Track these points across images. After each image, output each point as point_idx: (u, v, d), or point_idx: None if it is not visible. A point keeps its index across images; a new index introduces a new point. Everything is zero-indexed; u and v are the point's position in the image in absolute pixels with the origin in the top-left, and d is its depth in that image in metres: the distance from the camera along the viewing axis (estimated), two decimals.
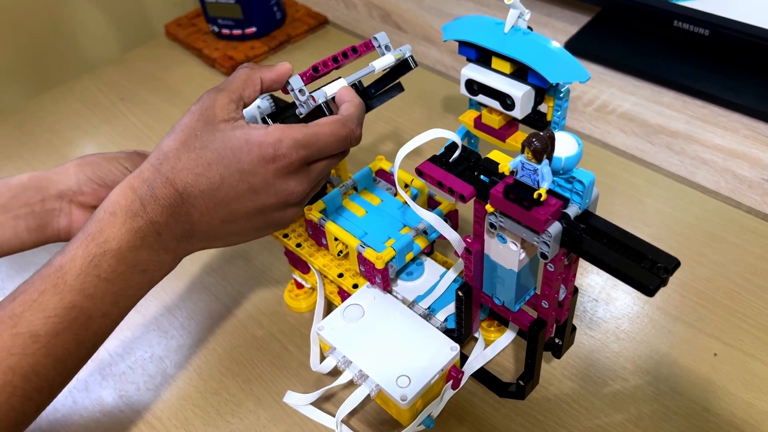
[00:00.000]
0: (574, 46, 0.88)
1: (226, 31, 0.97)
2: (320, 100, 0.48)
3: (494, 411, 0.54)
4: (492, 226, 0.42)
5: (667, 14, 0.82)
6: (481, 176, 0.43)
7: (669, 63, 0.84)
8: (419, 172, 0.44)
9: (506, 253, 0.43)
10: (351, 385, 0.50)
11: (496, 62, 0.56)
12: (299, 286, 0.63)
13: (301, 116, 0.49)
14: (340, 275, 0.56)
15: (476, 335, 0.56)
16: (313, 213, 0.55)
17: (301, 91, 0.49)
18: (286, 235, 0.59)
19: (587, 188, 0.39)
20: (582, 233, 0.38)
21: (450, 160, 0.44)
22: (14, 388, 0.40)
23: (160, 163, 0.44)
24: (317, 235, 0.57)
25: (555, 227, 0.38)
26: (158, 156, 0.44)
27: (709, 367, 0.56)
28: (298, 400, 0.53)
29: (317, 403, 0.54)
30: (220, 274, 0.68)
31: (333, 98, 0.50)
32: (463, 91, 0.60)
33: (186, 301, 0.66)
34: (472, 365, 0.53)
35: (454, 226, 0.56)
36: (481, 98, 0.59)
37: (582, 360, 0.57)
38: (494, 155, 0.44)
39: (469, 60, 0.59)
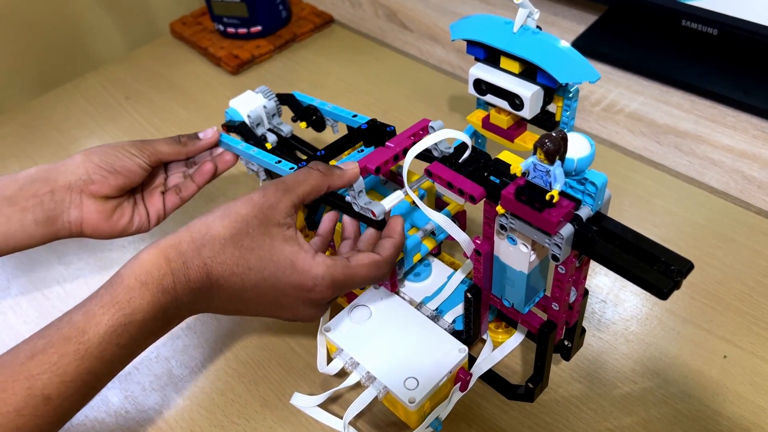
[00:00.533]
0: (581, 45, 0.88)
1: (231, 29, 0.97)
2: (379, 216, 0.47)
3: (502, 413, 0.54)
4: (502, 227, 0.41)
5: (675, 13, 0.81)
6: (491, 177, 0.43)
7: (677, 63, 0.84)
8: (428, 173, 0.44)
9: (516, 254, 0.43)
10: (358, 386, 0.50)
11: (504, 62, 0.56)
12: None
13: (347, 203, 0.49)
14: None
15: (484, 337, 0.55)
16: None
17: (360, 193, 0.48)
18: None
19: (600, 190, 0.38)
20: (594, 235, 0.38)
21: (460, 161, 0.44)
22: None
23: (202, 245, 0.43)
24: None
25: (567, 229, 0.37)
26: (203, 235, 0.43)
27: (720, 370, 0.55)
28: (305, 402, 0.53)
29: (324, 405, 0.54)
30: None
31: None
32: (471, 90, 0.59)
33: None
34: (481, 367, 0.52)
35: (462, 227, 0.56)
36: (490, 98, 0.58)
37: (590, 362, 0.57)
38: (505, 156, 0.43)
39: (477, 59, 0.59)
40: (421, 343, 0.50)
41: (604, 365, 0.57)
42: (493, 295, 0.48)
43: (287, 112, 0.64)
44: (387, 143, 0.50)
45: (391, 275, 0.52)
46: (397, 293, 0.54)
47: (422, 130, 0.50)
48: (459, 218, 0.55)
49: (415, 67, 0.92)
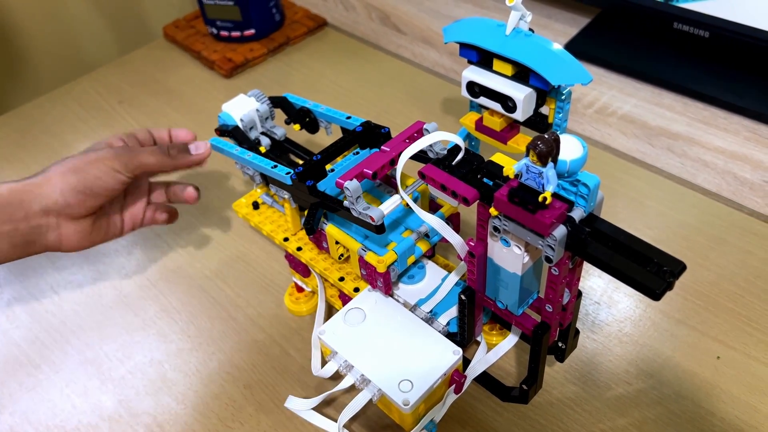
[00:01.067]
0: (574, 47, 0.88)
1: (224, 33, 0.97)
2: (378, 221, 0.47)
3: (497, 415, 0.54)
4: (496, 229, 0.41)
5: (667, 16, 0.82)
6: (485, 179, 0.43)
7: (669, 65, 0.84)
8: (422, 175, 0.44)
9: (510, 256, 0.43)
10: (353, 389, 0.50)
11: (497, 64, 0.56)
12: (299, 289, 0.63)
13: (346, 207, 0.49)
14: (341, 279, 0.56)
15: (478, 339, 0.56)
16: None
17: (358, 198, 0.47)
18: (286, 239, 0.59)
19: (592, 191, 0.38)
20: (587, 237, 0.38)
21: (453, 163, 0.44)
22: None
23: None
24: (318, 238, 0.56)
25: (560, 231, 0.38)
26: None
27: (713, 371, 0.56)
28: (300, 405, 0.53)
29: (318, 408, 0.54)
30: (219, 277, 0.68)
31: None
32: (465, 93, 0.60)
33: (185, 304, 0.65)
34: (475, 369, 0.53)
35: (456, 229, 0.56)
36: (483, 100, 0.59)
37: (585, 363, 0.57)
38: (498, 158, 0.43)
39: (470, 62, 0.59)
40: (415, 346, 0.50)
41: (598, 367, 0.57)
42: (486, 297, 0.48)
43: (280, 115, 0.64)
44: (382, 147, 0.50)
45: (385, 278, 0.52)
46: (391, 295, 0.54)
47: (417, 132, 0.50)
48: (452, 220, 0.55)
49: (408, 70, 0.92)
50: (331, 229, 0.54)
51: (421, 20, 1.00)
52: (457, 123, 0.80)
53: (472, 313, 0.49)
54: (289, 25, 1.01)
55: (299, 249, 0.58)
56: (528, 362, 0.48)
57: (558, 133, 0.58)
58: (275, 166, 0.54)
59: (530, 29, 0.55)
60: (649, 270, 0.37)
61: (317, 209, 0.53)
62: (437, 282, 0.55)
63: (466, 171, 0.43)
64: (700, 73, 0.82)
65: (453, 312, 0.53)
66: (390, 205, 0.48)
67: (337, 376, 0.52)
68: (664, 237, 0.67)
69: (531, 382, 0.48)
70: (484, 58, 0.58)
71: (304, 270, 0.61)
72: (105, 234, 0.58)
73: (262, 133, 0.62)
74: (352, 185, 0.47)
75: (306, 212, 0.54)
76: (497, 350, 0.54)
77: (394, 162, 0.49)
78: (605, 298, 0.62)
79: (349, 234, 0.53)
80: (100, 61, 1.09)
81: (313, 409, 0.54)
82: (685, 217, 0.68)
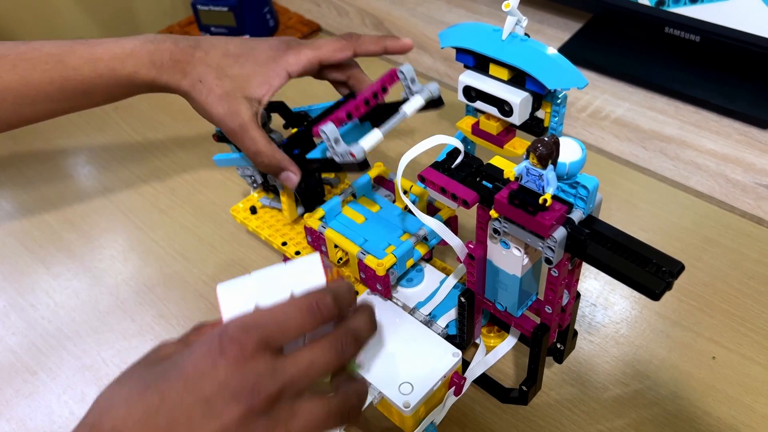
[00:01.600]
0: (567, 52, 0.88)
1: None
2: (359, 157, 0.47)
3: (496, 417, 0.54)
4: (495, 231, 0.42)
5: (659, 21, 0.83)
6: (483, 182, 0.43)
7: (661, 69, 0.85)
8: (422, 179, 0.44)
9: (509, 258, 0.43)
10: None
11: (493, 69, 0.57)
12: None
13: (328, 157, 0.49)
14: None
15: (477, 341, 0.56)
16: (313, 220, 0.55)
17: (337, 141, 0.47)
18: (284, 243, 0.59)
19: (591, 193, 0.39)
20: (587, 238, 0.38)
21: (452, 166, 0.44)
22: None
23: (89, 412, 0.35)
24: (317, 242, 0.56)
25: (560, 232, 0.38)
26: (92, 410, 0.35)
27: (709, 371, 0.56)
28: None
29: None
30: (217, 281, 0.67)
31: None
32: (461, 97, 0.60)
33: (182, 309, 0.65)
34: (474, 371, 0.53)
35: (453, 232, 0.56)
36: (479, 105, 0.59)
37: (582, 365, 0.57)
38: (496, 161, 0.44)
39: (466, 67, 0.59)
40: (415, 348, 0.50)
41: (596, 368, 0.57)
42: (486, 299, 0.48)
43: (276, 119, 0.64)
44: (359, 95, 0.52)
45: (384, 282, 0.52)
46: (390, 299, 0.54)
47: (390, 77, 0.53)
48: (451, 223, 0.56)
49: None
50: (330, 233, 0.54)
51: (415, 25, 1.01)
52: (453, 126, 0.81)
53: (472, 315, 0.49)
54: (283, 31, 1.01)
55: (297, 253, 0.58)
56: (527, 364, 0.48)
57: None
58: None
59: (526, 34, 0.56)
60: (648, 270, 0.37)
61: (313, 174, 0.53)
62: (436, 285, 0.56)
63: (465, 174, 0.44)
64: (692, 76, 0.83)
65: (452, 314, 0.53)
66: (371, 140, 0.49)
67: None
68: (658, 239, 0.67)
69: (530, 384, 0.49)
70: (480, 63, 0.58)
71: None
72: None
73: None
74: (328, 128, 0.47)
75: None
76: (496, 352, 0.55)
77: (368, 102, 0.51)
78: (602, 300, 0.62)
79: (348, 238, 0.54)
80: None
81: None
82: (678, 219, 0.69)
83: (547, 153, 0.36)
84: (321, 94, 0.91)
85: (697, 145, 0.76)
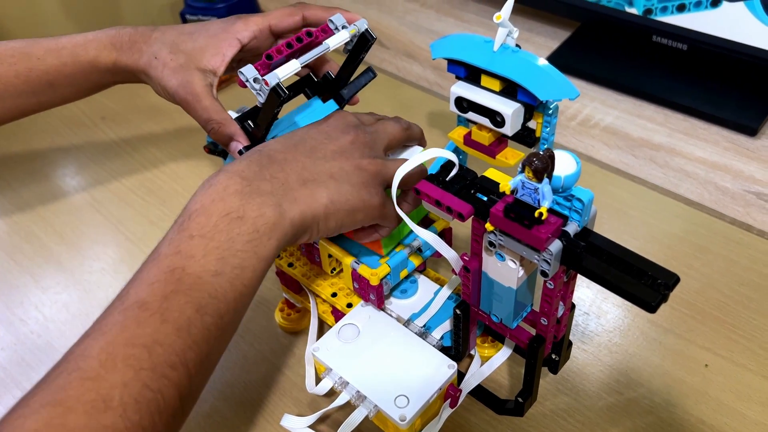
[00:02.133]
0: (555, 61, 0.89)
1: None
2: (273, 83, 0.48)
3: (491, 428, 0.54)
4: (491, 244, 0.42)
5: (646, 29, 0.84)
6: (478, 194, 0.43)
7: (649, 77, 0.86)
8: (417, 191, 0.44)
9: (505, 270, 0.43)
10: (348, 406, 0.50)
11: (485, 80, 0.57)
12: (290, 305, 0.63)
13: (260, 105, 0.50)
14: (334, 294, 0.56)
15: (471, 352, 0.56)
16: None
17: (255, 79, 0.48)
18: (278, 256, 0.59)
19: (586, 206, 0.39)
20: (582, 251, 0.38)
21: (447, 179, 0.44)
22: (138, 361, 0.35)
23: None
24: (310, 252, 0.56)
25: (556, 245, 0.38)
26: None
27: (702, 379, 0.57)
28: (296, 424, 0.53)
29: (314, 426, 0.54)
30: None
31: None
32: (453, 108, 0.60)
33: None
34: (470, 383, 0.53)
35: (448, 243, 0.56)
36: (471, 115, 0.59)
37: (576, 374, 0.58)
38: (491, 173, 0.44)
39: (458, 78, 0.60)
40: (410, 361, 0.50)
41: (590, 377, 0.57)
42: (481, 311, 0.48)
43: None
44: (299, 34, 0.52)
45: (378, 292, 0.52)
46: (384, 310, 0.54)
47: (322, 30, 0.52)
48: (445, 235, 0.56)
49: (392, 83, 0.93)
50: (324, 243, 0.54)
51: (404, 34, 1.01)
52: (444, 136, 0.81)
53: (467, 327, 0.49)
54: None
55: (290, 265, 0.58)
56: (523, 375, 0.48)
57: (546, 147, 0.59)
58: None
59: (517, 45, 0.56)
60: (644, 283, 0.37)
61: (270, 124, 0.54)
62: (430, 296, 0.56)
63: (459, 186, 0.44)
64: (680, 84, 0.84)
65: (447, 326, 0.53)
66: (287, 68, 0.49)
67: (331, 393, 0.52)
68: (649, 247, 0.68)
69: (526, 395, 0.49)
70: (471, 74, 0.58)
71: (295, 286, 0.60)
72: None
73: None
74: (246, 69, 0.48)
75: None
76: (491, 363, 0.55)
77: (290, 45, 0.50)
78: (594, 309, 0.63)
79: (342, 247, 0.53)
80: None
81: (309, 426, 0.53)
82: (668, 227, 0.69)
83: (542, 167, 0.36)
84: None
85: (686, 152, 0.77)
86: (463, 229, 0.66)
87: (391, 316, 0.54)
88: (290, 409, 0.56)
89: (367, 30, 0.55)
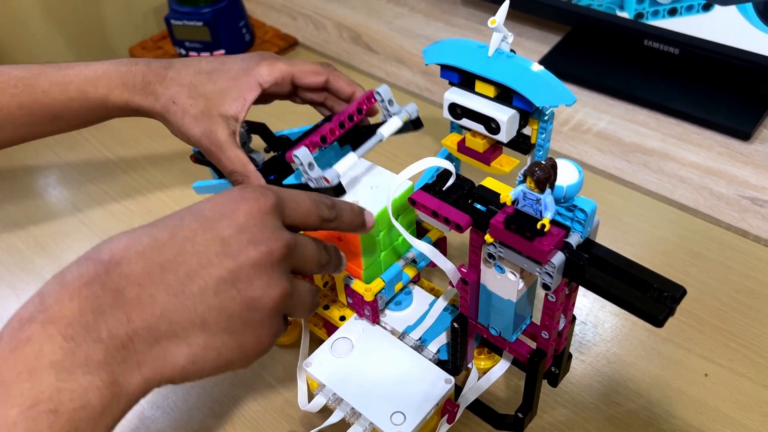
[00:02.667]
0: (546, 66, 0.87)
1: (193, 53, 0.95)
2: (333, 182, 0.46)
3: None
4: (490, 256, 0.41)
5: (637, 33, 0.83)
6: (476, 204, 0.42)
7: (641, 81, 0.85)
8: (412, 202, 0.43)
9: (504, 283, 0.42)
10: (343, 423, 0.48)
11: (479, 86, 0.56)
12: None
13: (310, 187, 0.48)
14: (326, 307, 0.54)
15: (468, 365, 0.54)
16: None
17: (311, 165, 0.46)
18: None
19: (589, 217, 0.38)
20: (585, 263, 0.37)
21: (443, 189, 0.43)
22: None
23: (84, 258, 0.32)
24: None
25: (558, 258, 0.37)
26: None
27: (701, 388, 0.56)
28: None
29: None
30: None
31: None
32: (446, 114, 0.59)
33: None
34: (467, 397, 0.51)
35: (443, 254, 0.55)
36: (465, 122, 0.58)
37: (574, 385, 0.56)
38: (489, 183, 0.42)
39: (451, 83, 0.58)
40: (406, 375, 0.49)
41: (588, 388, 0.56)
42: (479, 324, 0.47)
43: (258, 140, 0.62)
44: (334, 117, 0.50)
45: (373, 307, 0.50)
46: (379, 323, 0.53)
47: (367, 99, 0.52)
48: (440, 245, 0.54)
49: None
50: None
51: (393, 39, 1.00)
52: (435, 142, 0.80)
53: (465, 340, 0.48)
54: (260, 45, 0.99)
55: None
56: (523, 389, 0.47)
57: (540, 153, 0.58)
58: None
59: (512, 50, 0.55)
60: (650, 296, 0.36)
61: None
62: (425, 308, 0.54)
63: (457, 196, 0.42)
64: (672, 89, 0.83)
65: (443, 339, 0.52)
66: (345, 164, 0.48)
67: (325, 410, 0.50)
68: (644, 254, 0.67)
69: (526, 410, 0.47)
70: (465, 80, 0.57)
71: None
72: None
73: None
74: (301, 152, 0.45)
75: None
76: (489, 377, 0.53)
77: (343, 125, 0.50)
78: (591, 318, 0.61)
79: None
80: None
81: None
82: (664, 233, 0.68)
83: (545, 177, 0.34)
84: (298, 109, 0.89)
85: (680, 157, 0.76)
86: (455, 236, 0.65)
87: (385, 329, 0.53)
88: (283, 426, 0.55)
89: (417, 118, 0.54)
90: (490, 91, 0.55)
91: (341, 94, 0.56)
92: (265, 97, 0.57)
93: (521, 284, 0.42)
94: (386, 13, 1.06)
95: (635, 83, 0.85)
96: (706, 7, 0.76)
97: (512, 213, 0.37)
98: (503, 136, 0.55)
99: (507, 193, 0.37)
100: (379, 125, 0.54)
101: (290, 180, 0.53)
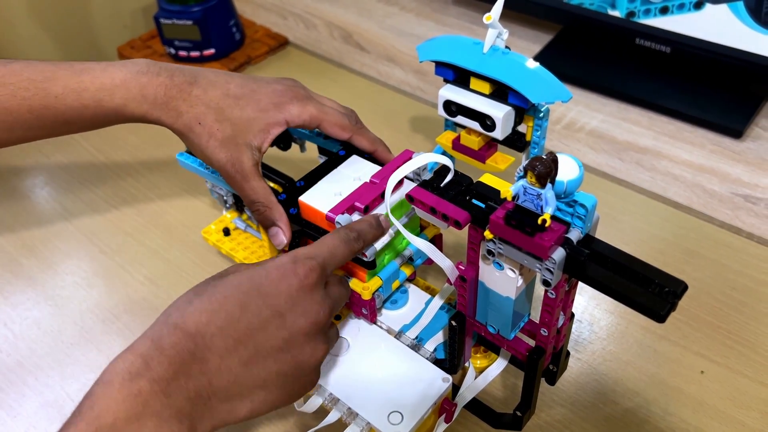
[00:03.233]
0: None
1: (183, 53, 0.94)
2: (370, 258, 0.46)
3: None
4: (489, 252, 0.40)
5: (629, 32, 0.83)
6: (474, 201, 0.42)
7: (633, 80, 0.85)
8: (410, 198, 0.42)
9: (503, 280, 0.42)
10: (339, 424, 0.48)
11: (474, 83, 0.55)
12: None
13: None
14: None
15: (466, 364, 0.54)
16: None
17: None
18: None
19: (590, 212, 0.38)
20: (586, 259, 0.37)
21: (441, 185, 0.42)
22: None
23: (167, 316, 0.39)
24: None
25: (559, 253, 0.36)
26: (166, 312, 0.39)
27: (698, 386, 0.55)
28: None
29: None
30: None
31: None
32: (441, 112, 0.58)
33: None
34: (465, 396, 0.51)
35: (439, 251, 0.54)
36: (460, 119, 0.58)
37: (571, 384, 0.56)
38: (487, 179, 0.42)
39: (446, 81, 0.58)
40: (403, 374, 0.48)
41: (585, 387, 0.56)
42: (477, 322, 0.47)
43: None
44: (372, 178, 0.49)
45: (370, 306, 0.50)
46: (375, 322, 0.52)
47: (405, 162, 0.49)
48: (436, 242, 0.54)
49: (374, 88, 0.91)
50: None
51: (385, 38, 0.99)
52: (428, 142, 0.79)
53: (463, 339, 0.47)
54: (250, 44, 0.99)
55: None
56: (521, 387, 0.47)
57: (535, 151, 0.57)
58: None
59: (506, 47, 0.55)
60: (651, 291, 0.36)
61: (300, 238, 0.51)
62: (421, 306, 0.54)
63: (455, 193, 0.42)
64: (664, 87, 0.83)
65: (439, 337, 0.51)
66: (383, 239, 0.47)
67: (321, 411, 0.49)
68: (640, 251, 0.65)
69: (525, 408, 0.47)
70: (460, 77, 0.57)
71: None
72: None
73: None
74: (344, 219, 0.45)
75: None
76: (486, 375, 0.53)
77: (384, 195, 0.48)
78: (587, 316, 0.61)
79: None
80: None
81: None
82: (658, 231, 0.68)
83: (545, 171, 0.34)
84: None
85: (673, 155, 0.76)
86: (449, 235, 0.64)
87: (381, 327, 0.52)
88: (278, 427, 0.54)
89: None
90: (486, 87, 0.55)
91: (362, 150, 0.55)
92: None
93: (520, 281, 0.41)
94: (377, 12, 1.05)
95: (627, 82, 0.85)
96: (698, 6, 0.76)
97: (512, 208, 0.37)
98: (498, 133, 0.55)
99: (507, 188, 0.36)
100: None
101: None
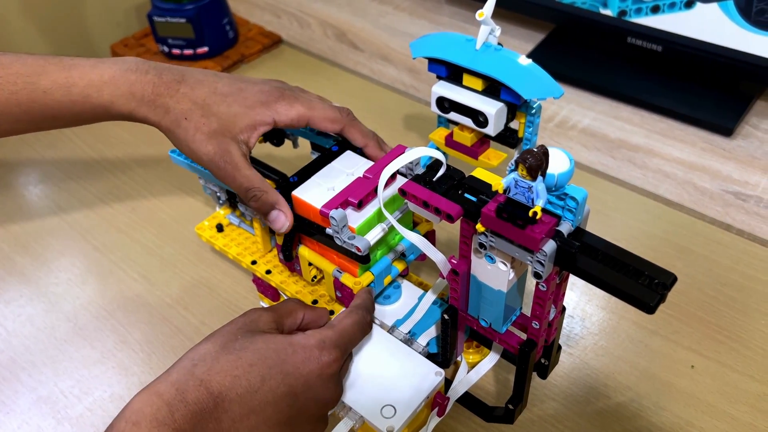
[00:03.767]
0: None
1: (176, 51, 0.94)
2: (364, 251, 0.46)
3: None
4: (481, 246, 0.40)
5: (621, 31, 0.83)
6: (466, 195, 0.42)
7: (625, 78, 0.86)
8: (403, 192, 0.43)
9: (495, 273, 0.42)
10: (333, 418, 0.48)
11: (467, 79, 0.56)
12: None
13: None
14: (315, 302, 0.54)
15: (458, 358, 0.54)
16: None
17: (344, 228, 0.46)
18: (254, 262, 0.57)
19: (580, 205, 0.38)
20: (577, 251, 0.37)
21: (434, 179, 0.43)
22: None
23: (194, 365, 0.40)
24: (290, 264, 0.54)
25: (550, 246, 0.37)
26: (192, 358, 0.41)
27: (689, 380, 0.56)
28: None
29: None
30: (181, 304, 0.65)
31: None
32: (434, 108, 0.59)
33: (146, 334, 0.62)
34: (457, 390, 0.51)
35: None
36: (453, 116, 0.58)
37: (563, 378, 0.56)
38: (479, 173, 0.42)
39: (438, 77, 0.58)
40: (396, 369, 0.48)
41: (577, 381, 0.56)
42: (469, 316, 0.47)
43: None
44: (365, 173, 0.49)
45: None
46: None
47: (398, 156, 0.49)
48: (429, 237, 0.54)
49: (367, 86, 0.91)
50: (303, 251, 0.52)
51: (378, 37, 1.00)
52: (421, 139, 0.80)
53: (455, 332, 0.47)
54: (243, 43, 0.99)
55: (268, 272, 0.56)
56: (513, 380, 0.47)
57: (529, 147, 0.58)
58: None
59: (499, 43, 0.55)
60: (641, 283, 0.36)
61: (294, 235, 0.51)
62: (414, 301, 0.54)
63: (447, 187, 0.42)
64: (655, 85, 0.84)
65: (432, 332, 0.52)
66: (376, 234, 0.47)
67: None
68: (632, 248, 0.65)
69: (517, 401, 0.47)
70: (453, 73, 0.57)
71: (273, 294, 0.58)
72: None
73: None
74: (338, 214, 0.45)
75: (282, 237, 0.52)
76: (478, 369, 0.53)
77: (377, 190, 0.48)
78: (578, 311, 0.62)
79: (323, 255, 0.51)
80: None
81: None
82: (650, 228, 0.69)
83: (536, 164, 0.34)
84: None
85: (664, 153, 0.77)
86: (442, 230, 0.65)
87: (374, 322, 0.52)
88: None
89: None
90: (478, 84, 0.55)
91: (354, 143, 0.55)
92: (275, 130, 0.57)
93: (512, 274, 0.42)
94: (371, 11, 1.06)
95: (619, 80, 0.85)
96: (689, 5, 0.76)
97: (504, 201, 0.37)
98: (491, 130, 0.55)
99: (499, 181, 0.36)
100: None
101: None
